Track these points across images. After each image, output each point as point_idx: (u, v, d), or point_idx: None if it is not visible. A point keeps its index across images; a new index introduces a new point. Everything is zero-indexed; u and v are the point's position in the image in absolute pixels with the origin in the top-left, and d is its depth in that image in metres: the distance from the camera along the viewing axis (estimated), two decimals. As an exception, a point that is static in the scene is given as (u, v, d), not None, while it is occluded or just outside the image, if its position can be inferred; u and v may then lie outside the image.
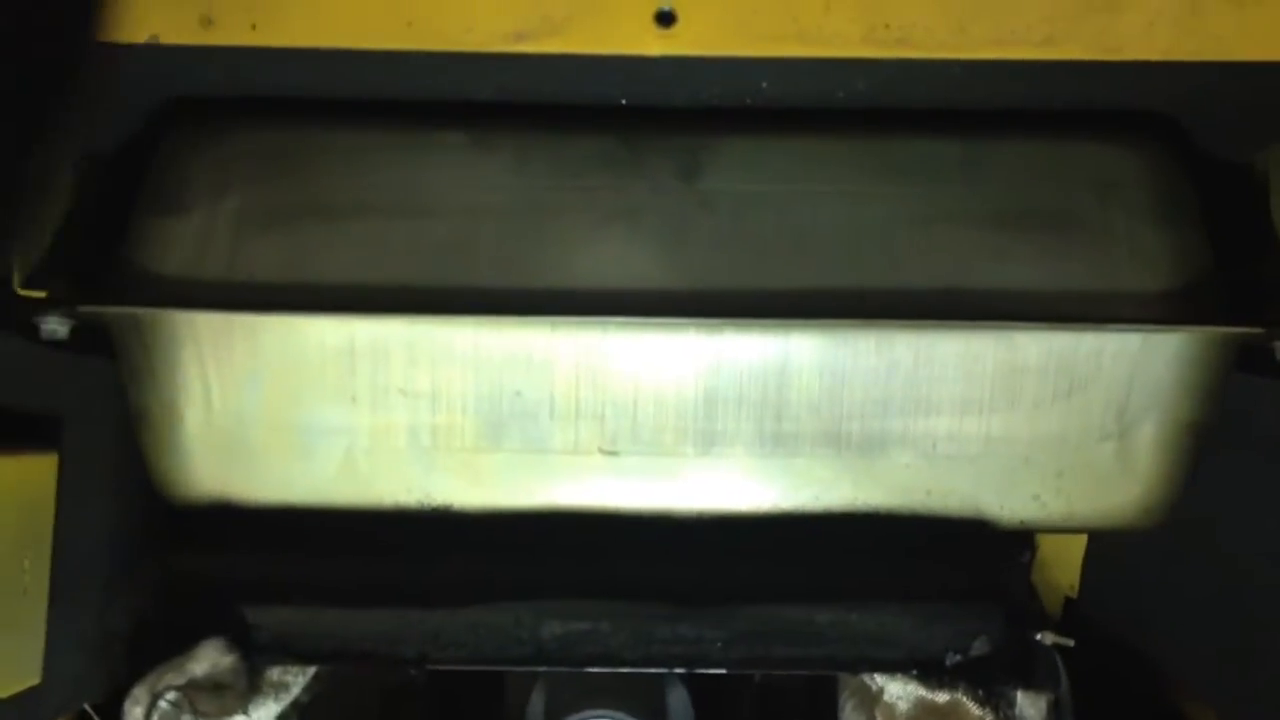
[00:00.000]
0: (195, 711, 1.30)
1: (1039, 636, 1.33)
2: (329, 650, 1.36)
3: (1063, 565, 2.10)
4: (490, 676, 2.11)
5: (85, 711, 1.47)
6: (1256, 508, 1.59)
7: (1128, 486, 1.45)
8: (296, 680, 1.47)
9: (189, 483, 1.42)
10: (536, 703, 1.68)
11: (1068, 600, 2.11)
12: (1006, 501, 1.46)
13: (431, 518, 1.43)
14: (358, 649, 1.35)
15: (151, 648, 1.30)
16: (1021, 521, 1.47)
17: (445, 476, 1.43)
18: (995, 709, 1.28)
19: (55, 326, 1.36)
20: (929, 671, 1.32)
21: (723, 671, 1.38)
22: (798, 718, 2.10)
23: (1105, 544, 1.97)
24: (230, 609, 1.34)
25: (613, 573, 1.42)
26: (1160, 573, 1.95)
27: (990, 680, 1.28)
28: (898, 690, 1.36)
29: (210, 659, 1.28)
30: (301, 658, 1.35)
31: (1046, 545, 2.00)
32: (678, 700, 1.72)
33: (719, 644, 1.37)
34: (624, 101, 1.48)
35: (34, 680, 1.37)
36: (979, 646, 1.33)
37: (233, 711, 1.36)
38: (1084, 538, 2.02)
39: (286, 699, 1.48)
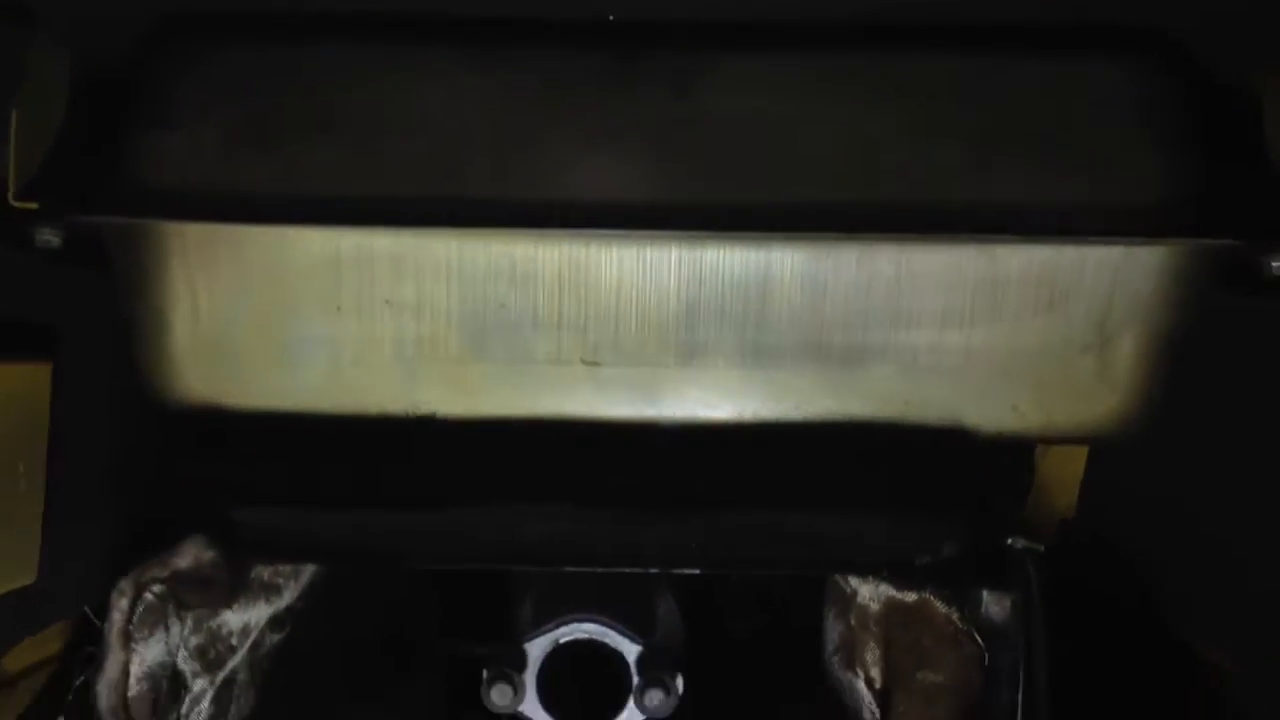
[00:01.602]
0: (180, 604, 1.34)
1: (1010, 541, 1.34)
2: (309, 548, 1.39)
3: (1059, 489, 2.11)
4: (490, 595, 2.15)
5: (86, 615, 1.51)
6: (1254, 433, 1.60)
7: (1107, 397, 1.46)
8: (288, 584, 1.50)
9: (178, 390, 1.45)
10: (524, 613, 1.71)
11: (1063, 523, 2.12)
12: (985, 412, 1.47)
13: (416, 426, 1.45)
14: (337, 548, 1.39)
15: (139, 546, 1.34)
16: (1000, 432, 1.48)
17: (430, 386, 1.46)
18: (961, 608, 1.29)
19: (48, 237, 1.39)
20: (899, 573, 1.34)
21: (697, 571, 1.40)
22: (788, 639, 2.13)
23: (1103, 469, 1.98)
24: (215, 509, 1.37)
25: (593, 479, 1.44)
26: (1157, 498, 1.96)
27: (958, 581, 1.30)
28: (869, 593, 1.39)
29: (193, 554, 1.31)
30: (281, 555, 1.39)
31: (1044, 469, 2.01)
32: (666, 612, 1.75)
33: (695, 546, 1.39)
34: (612, 18, 1.48)
35: (28, 579, 1.41)
36: (948, 549, 1.35)
37: (217, 606, 1.40)
38: (1081, 462, 2.03)
39: (279, 602, 1.51)
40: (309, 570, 1.53)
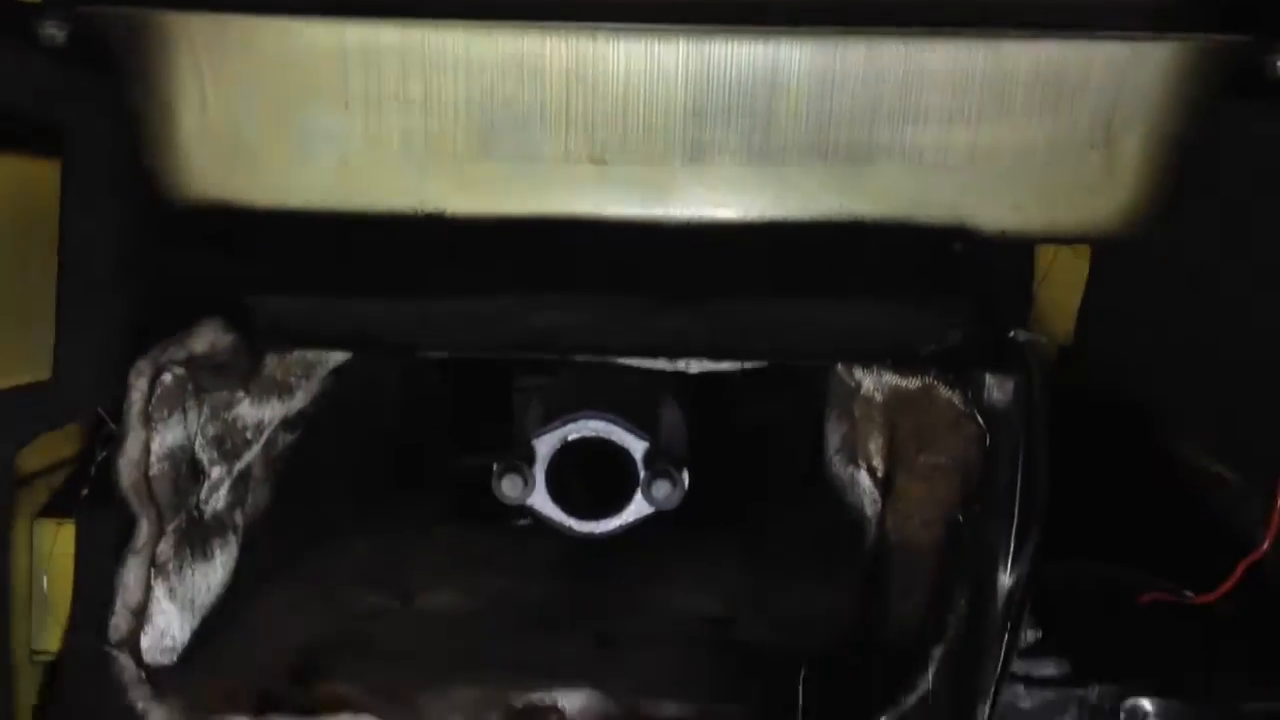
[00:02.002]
0: (198, 387, 1.36)
1: (1013, 334, 1.36)
2: (322, 335, 1.41)
3: (1059, 315, 2.13)
4: (496, 409, 2.19)
5: (100, 416, 1.53)
6: (1255, 249, 1.61)
7: (1111, 195, 1.47)
8: (300, 384, 1.52)
9: (187, 186, 1.45)
10: (534, 413, 1.73)
11: (1062, 349, 2.15)
12: (990, 210, 1.48)
13: (426, 224, 1.46)
14: (350, 334, 1.40)
15: (154, 332, 1.35)
16: (1004, 230, 1.49)
17: (438, 182, 1.46)
18: (964, 392, 1.32)
19: (53, 32, 1.37)
20: (903, 361, 1.36)
21: (704, 363, 1.42)
22: (788, 443, 2.17)
23: (1102, 294, 1.99)
24: (229, 296, 1.38)
25: (602, 272, 1.45)
26: (1156, 323, 1.98)
27: (961, 366, 1.32)
28: (873, 384, 1.41)
29: (209, 337, 1.33)
30: (296, 341, 1.40)
31: (1043, 296, 2.02)
32: (669, 414, 1.78)
33: (701, 336, 1.41)
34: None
35: (43, 375, 1.42)
36: (953, 337, 1.37)
37: (234, 390, 1.42)
38: (1080, 287, 2.05)
39: (291, 402, 1.54)
40: (320, 375, 1.55)
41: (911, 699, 1.31)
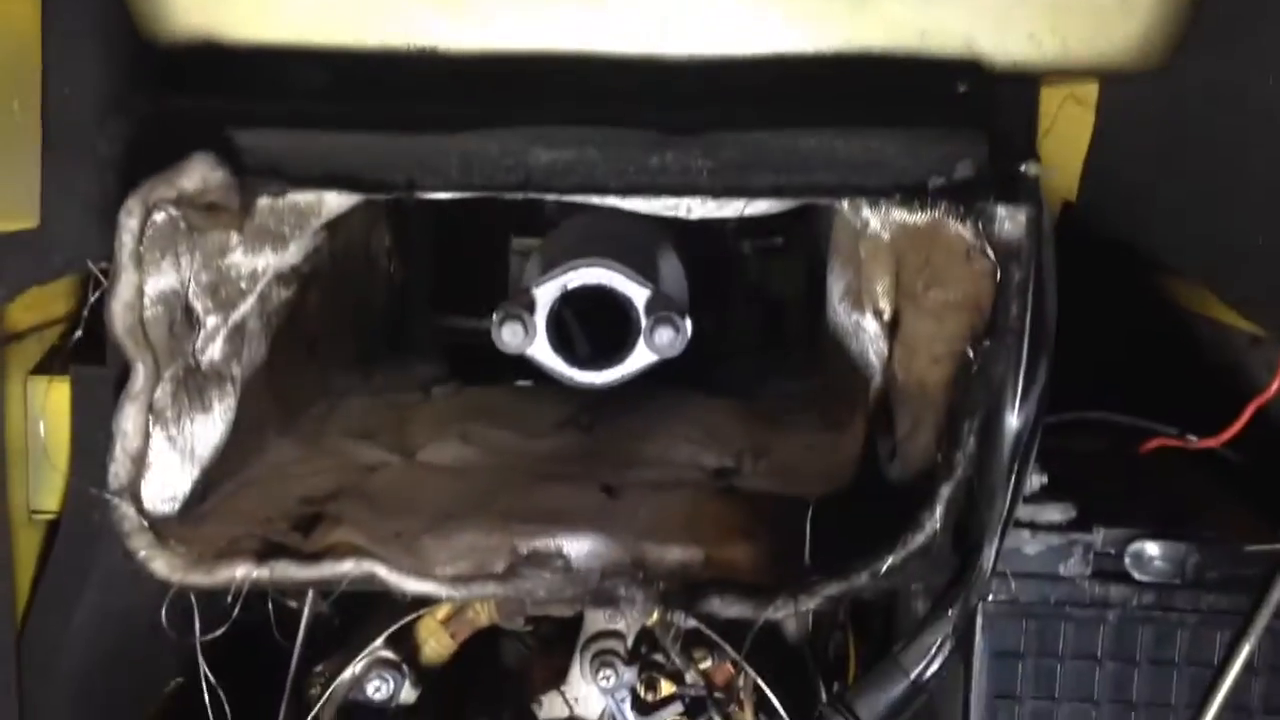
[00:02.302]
0: (190, 228, 1.33)
1: (1023, 166, 1.32)
2: (317, 174, 1.36)
3: (1062, 170, 2.09)
4: (496, 265, 2.16)
5: (92, 273, 1.49)
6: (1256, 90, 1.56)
7: (1126, 25, 1.42)
8: (294, 236, 1.48)
9: (170, 20, 1.40)
10: (532, 266, 1.70)
11: (1066, 204, 2.11)
12: (1001, 40, 1.43)
13: (418, 60, 1.41)
14: (345, 173, 1.36)
15: (143, 168, 1.31)
16: (1015, 63, 1.44)
17: (429, 14, 1.41)
18: (975, 226, 1.28)
19: None
20: (912, 194, 1.33)
21: (707, 204, 1.38)
22: (790, 300, 2.16)
23: (1108, 145, 1.95)
24: (219, 133, 1.34)
25: (601, 107, 1.40)
26: (1163, 171, 1.94)
27: (971, 200, 1.29)
28: (880, 222, 1.37)
29: (200, 173, 1.28)
30: (290, 180, 1.36)
31: (1047, 149, 1.98)
32: (670, 268, 1.75)
33: (705, 172, 1.36)
34: None
35: (31, 221, 1.39)
36: (962, 169, 1.33)
37: (227, 232, 1.39)
38: (1085, 141, 2.00)
39: (285, 254, 1.50)
40: (314, 228, 1.51)
41: (919, 538, 1.30)
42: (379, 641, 1.57)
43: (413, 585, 1.34)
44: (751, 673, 1.49)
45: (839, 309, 1.60)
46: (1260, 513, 1.49)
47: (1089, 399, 1.73)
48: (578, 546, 1.38)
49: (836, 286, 1.62)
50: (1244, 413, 1.49)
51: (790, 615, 1.33)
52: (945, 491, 1.29)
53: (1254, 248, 1.55)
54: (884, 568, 1.30)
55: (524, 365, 1.56)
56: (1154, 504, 1.56)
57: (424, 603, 1.49)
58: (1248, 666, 1.47)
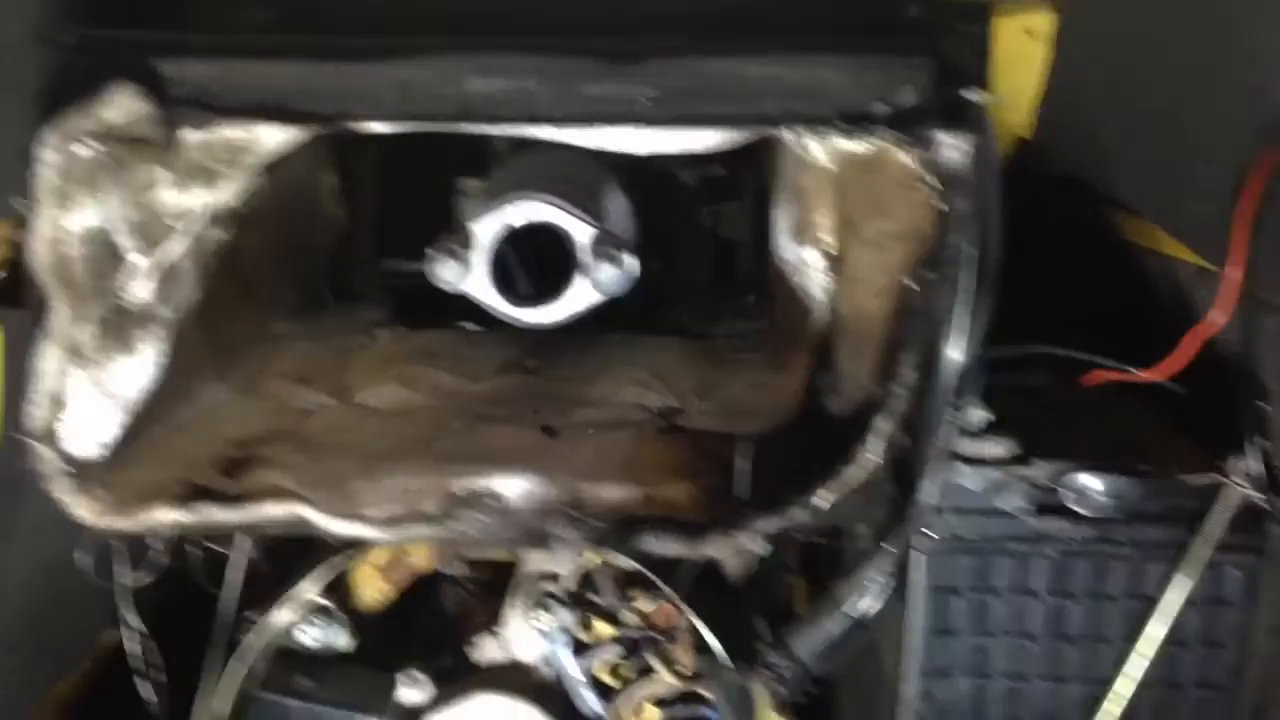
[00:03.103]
0: (114, 161, 1.28)
1: (969, 92, 1.30)
2: (244, 104, 1.32)
3: (1017, 106, 2.07)
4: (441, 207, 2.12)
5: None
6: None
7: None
8: (227, 173, 1.43)
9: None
10: (474, 204, 1.66)
11: (1021, 140, 2.09)
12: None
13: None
14: (274, 103, 1.32)
15: (63, 103, 1.26)
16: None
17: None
18: (918, 154, 1.26)
19: None
20: (854, 121, 1.30)
21: (654, 131, 1.34)
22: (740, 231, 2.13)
23: (1060, 84, 1.93)
24: (143, 61, 1.29)
25: (541, 35, 1.36)
26: (1115, 104, 1.92)
27: (916, 127, 1.26)
28: (823, 151, 1.34)
29: (124, 105, 1.24)
30: (216, 111, 1.32)
31: (1002, 84, 1.96)
32: (616, 206, 1.72)
33: (648, 101, 1.33)
34: None
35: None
36: (906, 96, 1.30)
37: (153, 163, 1.34)
38: (1039, 76, 1.98)
39: (217, 193, 1.45)
40: (248, 165, 1.46)
41: (857, 473, 1.29)
42: (311, 586, 1.55)
43: (342, 528, 1.32)
44: (687, 611, 1.48)
45: (785, 245, 1.58)
46: (1202, 446, 1.49)
47: (1038, 334, 1.72)
48: (512, 487, 1.36)
49: (782, 222, 1.60)
50: (1182, 343, 1.48)
51: (727, 552, 1.31)
52: (884, 425, 1.28)
53: (1199, 180, 1.53)
54: (821, 503, 1.29)
55: (471, 309, 1.54)
56: (1096, 438, 1.56)
57: (358, 547, 1.46)
58: (1185, 599, 1.47)
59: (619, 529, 1.33)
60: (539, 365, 1.75)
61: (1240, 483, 1.43)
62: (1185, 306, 1.68)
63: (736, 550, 1.37)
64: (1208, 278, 1.60)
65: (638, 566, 1.45)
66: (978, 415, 1.48)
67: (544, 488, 1.36)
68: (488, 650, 1.62)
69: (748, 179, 2.18)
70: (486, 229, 1.47)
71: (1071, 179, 1.95)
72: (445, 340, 1.85)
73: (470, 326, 1.96)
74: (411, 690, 1.56)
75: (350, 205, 2.13)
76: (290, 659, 1.57)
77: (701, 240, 2.18)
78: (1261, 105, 1.45)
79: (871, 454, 1.28)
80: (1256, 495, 1.42)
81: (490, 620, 1.62)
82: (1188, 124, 1.68)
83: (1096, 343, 1.68)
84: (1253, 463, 1.42)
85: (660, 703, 1.56)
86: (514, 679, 1.58)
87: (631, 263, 1.44)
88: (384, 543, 1.39)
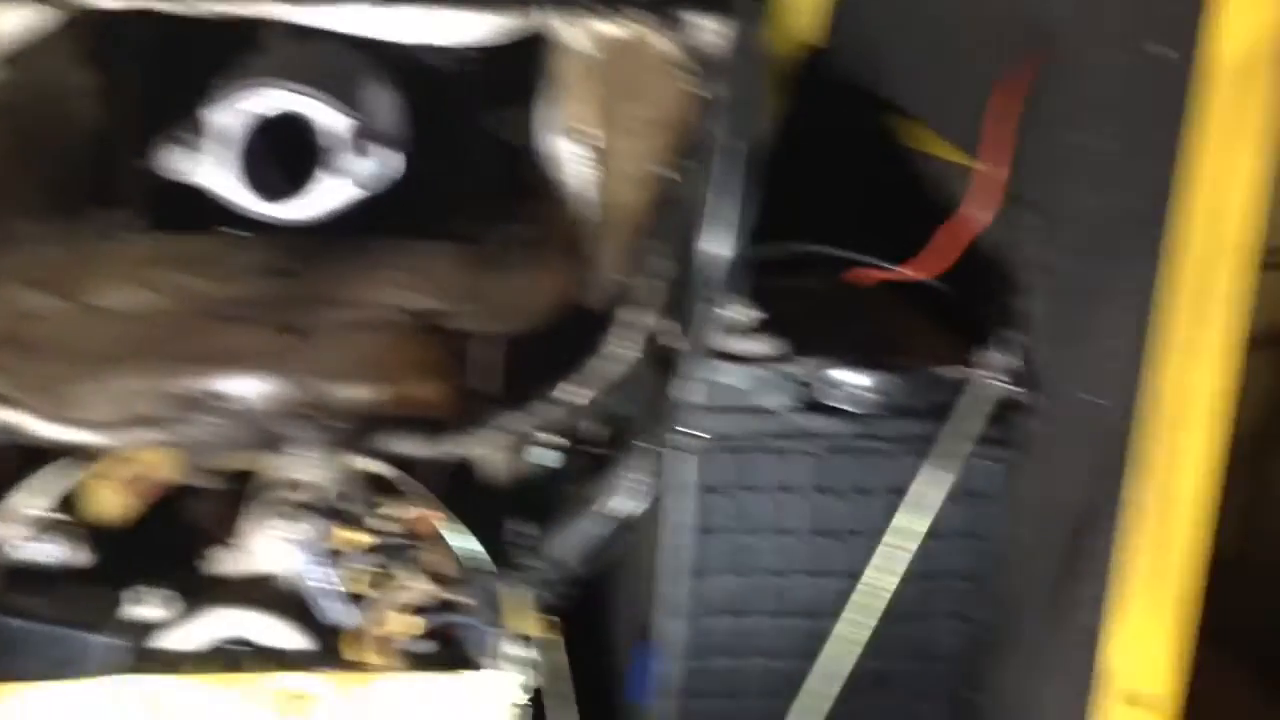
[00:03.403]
0: None
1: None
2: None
3: (809, 14, 2.06)
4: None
5: None
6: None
7: None
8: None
9: None
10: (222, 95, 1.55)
11: (811, 49, 2.09)
12: None
13: None
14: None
15: None
16: None
17: None
18: (678, 39, 1.21)
19: None
20: (612, 5, 1.25)
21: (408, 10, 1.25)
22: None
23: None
24: None
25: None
26: (891, 20, 1.93)
27: (672, 7, 1.22)
28: (584, 37, 1.29)
29: None
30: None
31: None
32: (382, 103, 1.63)
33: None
34: None
35: None
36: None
37: None
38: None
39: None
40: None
41: (614, 368, 1.26)
42: (32, 500, 1.45)
43: (56, 433, 1.23)
44: (443, 514, 1.43)
45: (551, 139, 1.53)
46: (965, 343, 1.50)
47: (818, 239, 1.72)
48: (247, 388, 1.29)
49: (549, 115, 1.54)
50: (946, 241, 1.49)
51: (480, 451, 1.27)
52: (636, 318, 1.25)
53: (966, 83, 1.54)
54: (572, 398, 1.25)
55: (239, 216, 1.44)
56: (861, 336, 1.56)
57: (82, 456, 1.37)
58: (943, 493, 1.49)
59: (363, 430, 1.27)
60: (299, 269, 1.66)
61: (995, 376, 1.44)
62: (953, 206, 1.70)
63: (491, 449, 1.33)
64: (973, 177, 1.62)
65: (391, 470, 1.39)
66: (743, 313, 1.46)
67: (281, 388, 1.29)
68: (231, 563, 1.55)
69: (531, 83, 2.11)
70: (223, 116, 1.37)
71: (856, 85, 1.95)
72: (200, 245, 1.74)
73: (237, 232, 1.85)
74: (144, 608, 1.48)
75: (110, 106, 1.99)
76: (14, 576, 1.47)
77: (482, 145, 2.10)
78: (1022, 9, 1.46)
79: (623, 348, 1.24)
80: (1011, 388, 1.44)
81: (234, 532, 1.55)
82: (956, 29, 1.69)
83: (875, 246, 1.69)
84: (1008, 357, 1.44)
85: (418, 611, 1.51)
86: (256, 592, 1.51)
87: (390, 156, 1.37)
88: (105, 449, 1.30)
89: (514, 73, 2.10)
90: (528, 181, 2.04)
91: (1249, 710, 2.63)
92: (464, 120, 2.13)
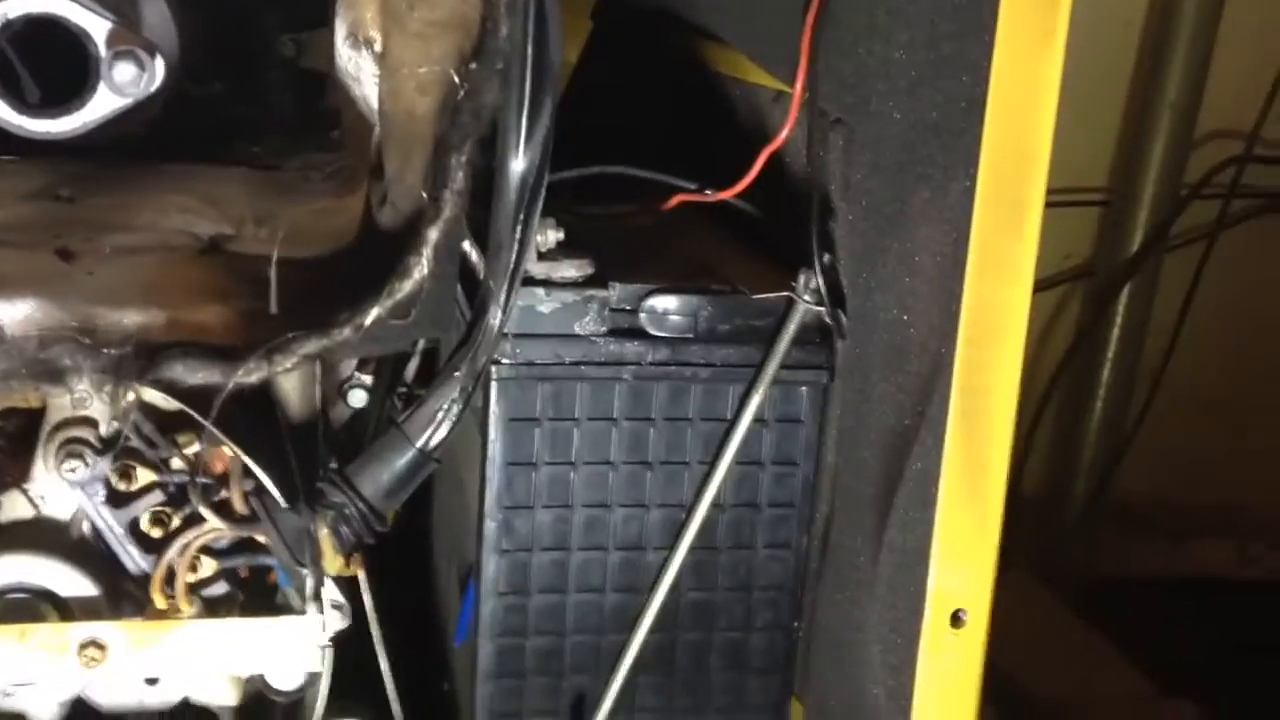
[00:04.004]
0: None
1: None
2: None
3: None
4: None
5: None
6: None
7: None
8: None
9: None
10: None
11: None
12: None
13: None
14: None
15: None
16: None
17: None
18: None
19: None
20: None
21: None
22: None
23: None
24: None
25: None
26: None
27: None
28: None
29: None
30: None
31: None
32: (156, 16, 1.52)
33: None
34: None
35: None
36: None
37: None
38: None
39: None
40: None
41: (405, 285, 1.19)
42: None
43: None
44: (232, 447, 1.35)
45: (343, 54, 1.44)
46: (778, 266, 1.48)
47: (622, 163, 1.68)
48: (11, 313, 1.18)
49: (340, 29, 1.45)
50: (756, 161, 1.46)
51: (263, 377, 1.19)
52: (433, 234, 1.18)
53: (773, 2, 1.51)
54: (367, 320, 1.18)
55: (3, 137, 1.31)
56: (672, 261, 1.53)
57: None
58: (758, 419, 1.47)
59: (140, 356, 1.18)
60: (76, 194, 1.53)
61: (806, 298, 1.43)
62: (764, 131, 1.68)
63: (281, 375, 1.25)
64: (782, 100, 1.60)
65: (180, 404, 1.30)
66: (552, 235, 1.41)
67: (48, 313, 1.18)
68: (16, 509, 1.44)
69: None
70: (-26, 22, 1.25)
71: (663, 10, 1.91)
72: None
73: (11, 159, 1.72)
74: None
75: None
76: None
77: (279, 71, 2.00)
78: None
79: (420, 265, 1.18)
80: (821, 309, 1.43)
81: (19, 477, 1.43)
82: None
83: (683, 174, 1.65)
84: (818, 278, 1.42)
85: (214, 553, 1.43)
86: (43, 536, 1.41)
87: (155, 65, 1.27)
88: None
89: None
90: (330, 112, 1.95)
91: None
92: (262, 49, 2.02)
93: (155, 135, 1.61)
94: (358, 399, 1.64)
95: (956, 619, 1.27)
